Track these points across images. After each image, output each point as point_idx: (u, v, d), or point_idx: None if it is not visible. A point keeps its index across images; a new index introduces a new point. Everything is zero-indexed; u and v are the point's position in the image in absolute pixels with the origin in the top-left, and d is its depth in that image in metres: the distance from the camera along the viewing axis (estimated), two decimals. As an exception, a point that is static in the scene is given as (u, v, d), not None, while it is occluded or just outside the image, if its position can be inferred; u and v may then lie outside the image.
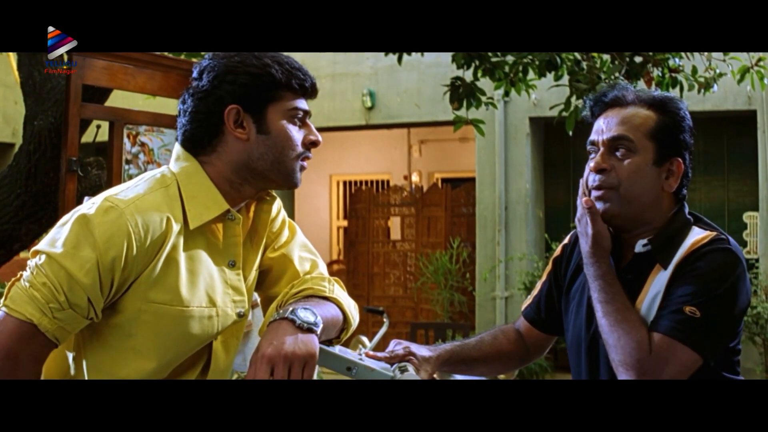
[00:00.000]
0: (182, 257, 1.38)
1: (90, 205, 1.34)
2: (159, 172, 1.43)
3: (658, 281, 1.55)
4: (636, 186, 1.56)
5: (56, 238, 1.32)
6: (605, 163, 1.58)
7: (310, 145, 1.45)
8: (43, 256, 1.30)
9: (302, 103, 1.44)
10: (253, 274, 1.54)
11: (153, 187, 1.39)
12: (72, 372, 1.41)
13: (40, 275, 1.29)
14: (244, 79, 1.39)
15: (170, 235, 1.35)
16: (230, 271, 1.45)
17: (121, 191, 1.37)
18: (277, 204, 1.56)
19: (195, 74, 1.43)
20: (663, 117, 1.59)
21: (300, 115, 1.43)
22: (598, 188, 1.58)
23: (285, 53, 1.45)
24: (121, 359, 1.38)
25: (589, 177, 1.60)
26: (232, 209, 1.43)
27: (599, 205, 1.59)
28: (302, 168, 1.45)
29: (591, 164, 1.60)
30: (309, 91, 1.45)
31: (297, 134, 1.43)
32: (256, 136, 1.40)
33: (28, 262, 1.33)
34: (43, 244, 1.32)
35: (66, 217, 1.35)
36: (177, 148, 1.46)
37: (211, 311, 1.42)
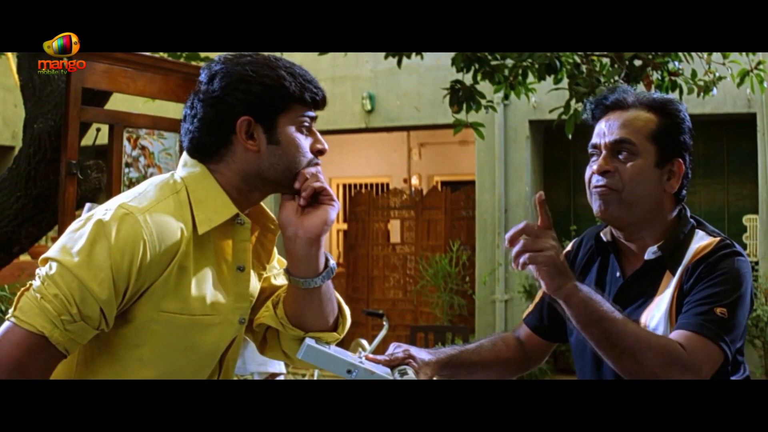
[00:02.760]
0: (192, 265, 1.35)
1: (104, 212, 1.31)
2: (169, 178, 1.41)
3: (670, 287, 1.56)
4: (639, 188, 1.57)
5: (69, 245, 1.27)
6: (608, 165, 1.58)
7: (317, 153, 1.45)
8: (55, 265, 1.26)
9: (311, 113, 1.43)
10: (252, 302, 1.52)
11: (165, 193, 1.36)
12: None
13: (52, 286, 1.25)
14: (257, 89, 1.36)
15: (183, 243, 1.33)
16: (238, 276, 1.43)
17: (134, 197, 1.34)
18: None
19: (204, 78, 1.39)
20: (664, 119, 1.60)
21: (307, 124, 1.43)
22: (600, 188, 1.59)
23: (290, 60, 1.44)
24: (126, 370, 1.35)
25: (592, 178, 1.62)
26: (241, 213, 1.41)
27: (599, 206, 1.59)
28: None
29: (594, 167, 1.61)
30: (320, 104, 1.44)
31: (305, 142, 1.42)
32: (266, 146, 1.38)
33: (37, 270, 1.29)
34: (54, 252, 1.28)
35: (77, 224, 1.31)
36: (184, 155, 1.43)
37: (216, 319, 1.40)
